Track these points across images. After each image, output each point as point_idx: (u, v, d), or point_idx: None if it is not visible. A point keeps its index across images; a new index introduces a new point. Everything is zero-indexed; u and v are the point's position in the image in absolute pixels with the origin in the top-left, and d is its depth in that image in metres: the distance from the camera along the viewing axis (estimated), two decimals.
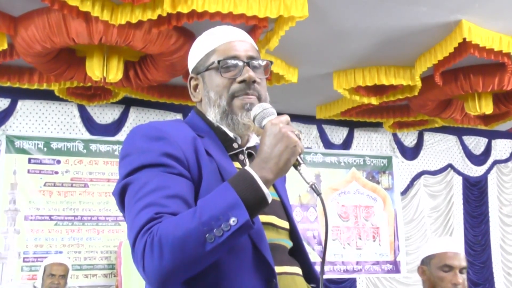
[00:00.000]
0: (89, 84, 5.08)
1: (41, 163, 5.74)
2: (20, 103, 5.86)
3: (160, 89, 5.79)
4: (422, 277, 2.54)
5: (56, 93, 5.62)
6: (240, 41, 1.41)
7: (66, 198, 5.74)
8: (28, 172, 5.68)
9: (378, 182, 7.26)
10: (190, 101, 5.98)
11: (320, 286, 1.23)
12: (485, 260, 7.64)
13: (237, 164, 1.37)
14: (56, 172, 5.77)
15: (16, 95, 5.77)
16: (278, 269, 1.25)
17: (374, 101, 5.85)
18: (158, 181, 1.19)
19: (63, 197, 5.74)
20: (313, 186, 1.20)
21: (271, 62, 1.46)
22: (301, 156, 1.22)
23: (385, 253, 7.03)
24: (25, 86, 5.38)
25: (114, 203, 5.32)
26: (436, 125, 7.10)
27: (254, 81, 1.36)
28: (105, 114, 6.21)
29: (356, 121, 6.99)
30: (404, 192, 7.41)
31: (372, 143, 7.48)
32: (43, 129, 5.92)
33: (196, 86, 1.44)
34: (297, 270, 1.35)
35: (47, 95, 5.80)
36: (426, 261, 2.52)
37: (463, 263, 2.44)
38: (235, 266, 1.20)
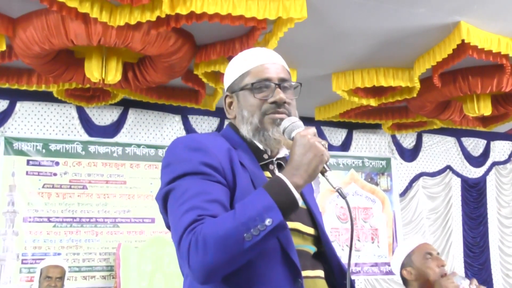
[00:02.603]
0: (88, 85, 5.08)
1: (39, 165, 5.73)
2: (18, 105, 5.86)
3: (159, 90, 5.78)
4: (410, 277, 2.61)
5: (55, 95, 5.62)
6: (272, 64, 1.52)
7: (64, 199, 5.74)
8: (27, 173, 5.67)
9: (376, 184, 7.27)
10: (189, 102, 5.99)
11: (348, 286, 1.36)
12: (484, 261, 7.64)
13: (267, 174, 1.49)
14: (55, 174, 5.77)
15: (15, 96, 5.76)
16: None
17: (373, 102, 5.85)
18: (199, 187, 1.32)
19: (61, 198, 5.73)
20: (339, 191, 1.32)
21: (301, 84, 1.58)
22: (327, 164, 1.35)
23: (384, 255, 7.03)
24: (24, 88, 5.37)
25: (112, 204, 5.34)
26: (435, 127, 7.10)
27: (285, 102, 1.48)
28: (103, 116, 6.20)
29: (355, 122, 6.98)
30: (402, 194, 7.40)
31: (371, 145, 7.48)
32: (42, 131, 5.92)
33: (230, 104, 1.57)
34: (319, 273, 1.46)
35: (46, 97, 5.80)
36: (407, 261, 2.62)
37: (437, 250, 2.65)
38: (265, 265, 1.31)
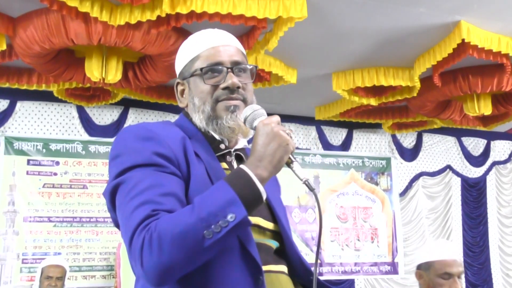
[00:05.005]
0: (88, 85, 5.08)
1: (40, 165, 5.73)
2: (19, 104, 5.86)
3: (159, 90, 5.78)
4: (420, 280, 2.55)
5: (55, 94, 5.62)
6: (224, 46, 1.42)
7: (65, 199, 5.74)
8: (27, 173, 5.67)
9: (376, 183, 7.27)
10: None
11: (314, 285, 1.25)
12: (484, 261, 7.64)
13: (224, 165, 1.39)
14: (55, 174, 5.77)
15: (15, 96, 5.77)
16: (263, 268, 1.27)
17: (373, 102, 5.86)
18: (152, 180, 1.20)
19: (62, 198, 5.73)
20: (306, 182, 1.23)
21: (256, 67, 1.48)
22: (293, 154, 1.25)
23: (383, 254, 7.03)
24: (24, 87, 5.37)
25: None
26: (435, 126, 7.10)
27: (238, 87, 1.38)
28: (104, 115, 6.20)
29: (355, 122, 6.99)
30: (402, 193, 7.41)
31: (371, 144, 7.49)
32: (42, 131, 5.92)
33: (182, 91, 1.47)
34: (283, 268, 1.37)
35: (46, 96, 5.80)
36: (425, 267, 2.51)
37: (461, 268, 2.47)
38: (223, 264, 1.21)
